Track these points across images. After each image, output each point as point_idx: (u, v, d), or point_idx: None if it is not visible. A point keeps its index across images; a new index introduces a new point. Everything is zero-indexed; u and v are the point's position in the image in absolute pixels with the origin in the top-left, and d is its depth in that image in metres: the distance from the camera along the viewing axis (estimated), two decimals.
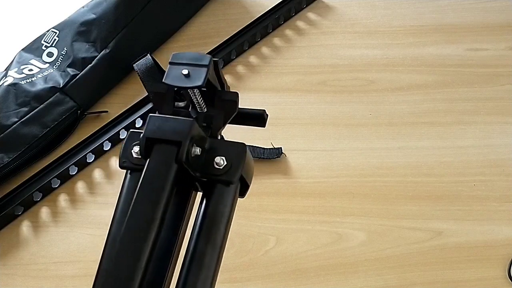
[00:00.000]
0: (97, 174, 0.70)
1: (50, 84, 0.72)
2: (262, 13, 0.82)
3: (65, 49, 0.75)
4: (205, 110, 0.40)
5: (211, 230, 0.36)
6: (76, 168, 0.70)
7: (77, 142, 0.71)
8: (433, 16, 0.83)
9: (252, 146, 0.69)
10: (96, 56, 0.74)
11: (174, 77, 0.36)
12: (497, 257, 0.62)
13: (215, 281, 0.36)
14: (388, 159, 0.69)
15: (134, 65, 0.73)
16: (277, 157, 0.69)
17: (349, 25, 0.83)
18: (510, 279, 0.60)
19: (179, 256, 0.38)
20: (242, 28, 0.81)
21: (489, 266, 0.61)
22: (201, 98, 0.39)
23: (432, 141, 0.71)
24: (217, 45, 0.79)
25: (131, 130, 0.39)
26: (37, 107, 0.70)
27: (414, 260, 0.62)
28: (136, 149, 0.37)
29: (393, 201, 0.66)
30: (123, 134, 0.73)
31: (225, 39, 0.80)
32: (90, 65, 0.73)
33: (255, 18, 0.82)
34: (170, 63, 0.37)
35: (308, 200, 0.67)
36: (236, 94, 0.40)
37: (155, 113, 0.37)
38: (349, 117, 0.73)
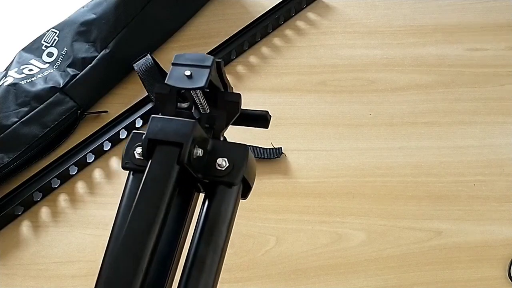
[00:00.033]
0: (97, 174, 0.70)
1: (50, 84, 0.72)
2: (262, 13, 0.82)
3: (65, 49, 0.74)
4: (208, 111, 0.40)
5: (212, 232, 0.36)
6: (76, 168, 0.70)
7: (77, 142, 0.71)
8: (433, 16, 0.83)
9: (252, 146, 0.69)
10: (96, 56, 0.74)
11: (177, 78, 0.36)
12: (497, 257, 0.62)
13: (217, 283, 0.36)
14: (388, 159, 0.69)
15: (134, 65, 0.74)
16: (277, 157, 0.69)
17: (349, 25, 0.83)
18: (510, 279, 0.60)
19: (181, 258, 0.37)
20: (242, 28, 0.81)
21: (489, 266, 0.61)
22: (203, 99, 0.38)
23: (432, 141, 0.71)
24: (217, 45, 0.79)
25: (134, 131, 0.39)
26: (37, 107, 0.70)
27: (414, 260, 0.62)
28: (139, 150, 0.37)
29: (393, 201, 0.66)
30: (123, 134, 0.73)
31: (225, 39, 0.80)
32: (90, 65, 0.73)
33: (255, 18, 0.82)
34: (173, 64, 0.37)
35: (308, 200, 0.67)
36: (239, 95, 0.40)
37: (157, 114, 0.37)
38: (349, 117, 0.73)
